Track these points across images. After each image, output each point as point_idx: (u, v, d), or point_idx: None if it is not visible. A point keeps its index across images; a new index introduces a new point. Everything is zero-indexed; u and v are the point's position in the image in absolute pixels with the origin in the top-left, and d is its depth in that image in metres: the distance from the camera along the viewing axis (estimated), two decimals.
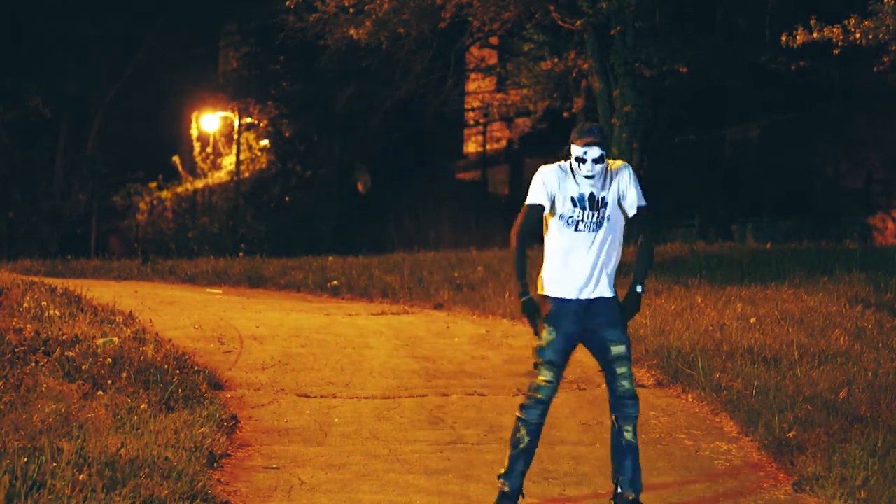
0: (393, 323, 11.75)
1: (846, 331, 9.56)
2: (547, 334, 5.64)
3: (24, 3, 29.17)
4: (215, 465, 6.38)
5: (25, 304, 10.11)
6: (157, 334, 9.80)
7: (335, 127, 29.83)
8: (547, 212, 5.68)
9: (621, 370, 5.69)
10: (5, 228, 31.75)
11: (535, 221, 5.70)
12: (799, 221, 23.74)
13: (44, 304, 10.25)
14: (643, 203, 5.73)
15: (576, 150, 5.62)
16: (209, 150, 32.44)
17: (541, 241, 5.84)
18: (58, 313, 9.86)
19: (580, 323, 5.67)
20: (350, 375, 8.98)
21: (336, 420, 7.57)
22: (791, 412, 7.24)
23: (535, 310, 5.67)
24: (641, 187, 5.75)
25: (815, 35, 12.46)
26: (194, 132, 32.58)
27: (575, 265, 5.65)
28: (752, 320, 10.15)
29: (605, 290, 5.71)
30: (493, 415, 7.76)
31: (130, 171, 32.89)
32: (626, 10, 15.77)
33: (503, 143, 31.15)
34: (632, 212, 5.73)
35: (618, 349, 5.68)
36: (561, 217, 5.65)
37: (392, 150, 30.48)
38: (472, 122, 32.21)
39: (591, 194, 5.64)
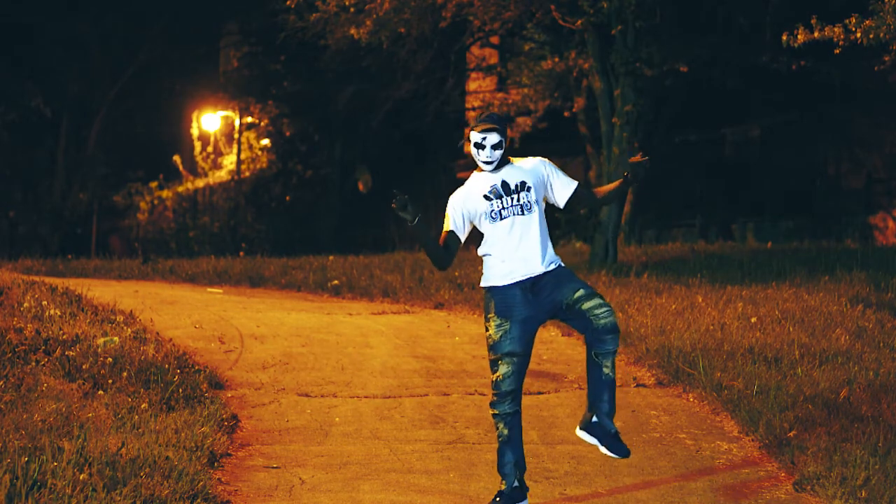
0: (394, 322, 11.75)
1: (847, 330, 9.56)
2: (496, 328, 5.61)
3: (26, 3, 29.17)
4: (216, 464, 6.38)
5: (26, 304, 10.10)
6: (157, 334, 9.80)
7: (336, 126, 29.84)
8: (466, 233, 5.75)
9: (590, 304, 5.57)
10: (6, 228, 31.79)
11: (452, 245, 5.73)
12: (800, 221, 23.76)
13: (44, 303, 10.25)
14: (575, 181, 5.79)
15: (474, 136, 5.68)
16: (210, 149, 32.45)
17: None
18: (58, 313, 9.86)
19: (531, 305, 5.62)
20: (351, 375, 8.98)
21: (337, 419, 7.57)
22: (792, 412, 7.24)
23: (405, 204, 5.56)
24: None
25: (815, 34, 12.44)
26: (195, 132, 32.60)
27: (510, 254, 5.64)
28: (753, 320, 10.15)
29: (547, 266, 5.65)
30: None
31: (131, 170, 32.94)
32: (626, 10, 15.76)
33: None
34: (568, 193, 5.76)
35: (577, 293, 5.59)
36: (484, 215, 5.68)
37: (393, 149, 30.50)
38: (472, 121, 32.20)
39: (504, 182, 5.67)
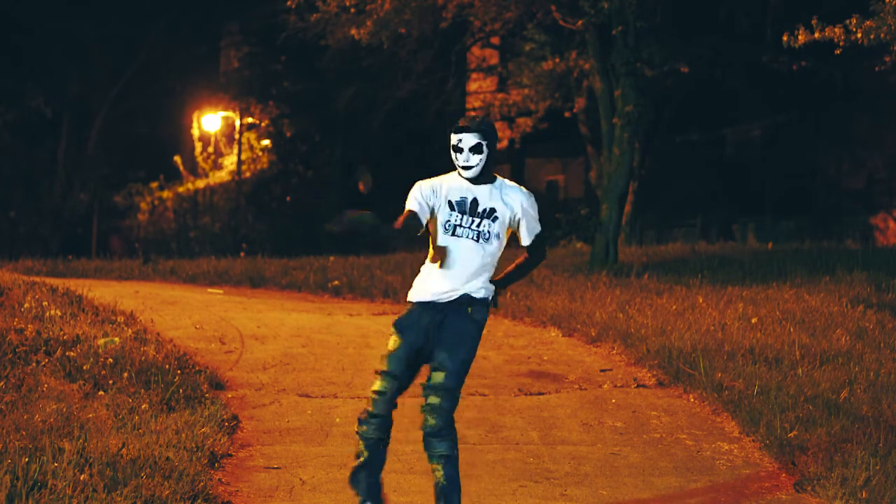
0: None
1: (848, 331, 9.56)
2: (392, 342, 5.31)
3: (26, 3, 29.18)
4: (217, 465, 6.38)
5: (27, 304, 10.11)
6: (158, 334, 9.80)
7: (337, 127, 29.85)
8: (426, 220, 5.28)
9: (432, 400, 5.17)
10: (7, 228, 31.78)
11: (413, 226, 5.22)
12: (800, 221, 23.78)
13: (45, 304, 10.25)
14: (539, 228, 5.39)
15: (452, 138, 5.24)
16: (210, 149, 32.46)
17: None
18: (59, 313, 9.86)
19: (426, 335, 5.26)
20: (351, 375, 8.98)
21: (337, 420, 7.57)
22: (793, 412, 7.24)
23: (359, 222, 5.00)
24: (540, 213, 5.44)
25: (816, 35, 12.45)
26: (196, 132, 32.60)
27: (444, 269, 5.25)
28: (754, 320, 10.15)
29: (463, 297, 5.26)
30: (495, 415, 7.76)
31: (132, 170, 32.94)
32: (627, 10, 15.76)
33: (504, 142, 31.18)
34: (528, 240, 5.38)
35: (437, 376, 5.19)
36: (442, 224, 5.27)
37: (394, 149, 30.51)
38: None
39: (475, 200, 5.28)
